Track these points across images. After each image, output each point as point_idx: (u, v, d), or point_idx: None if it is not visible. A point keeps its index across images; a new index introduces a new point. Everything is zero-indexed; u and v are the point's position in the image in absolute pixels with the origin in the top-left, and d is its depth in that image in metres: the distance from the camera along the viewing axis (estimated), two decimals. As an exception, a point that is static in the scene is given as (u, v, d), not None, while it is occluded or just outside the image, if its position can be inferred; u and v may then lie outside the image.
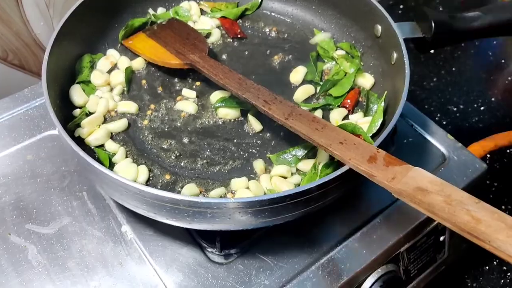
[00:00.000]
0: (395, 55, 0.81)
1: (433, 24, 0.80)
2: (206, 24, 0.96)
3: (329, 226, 0.77)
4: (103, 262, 0.74)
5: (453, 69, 1.41)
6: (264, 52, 0.94)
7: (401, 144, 0.89)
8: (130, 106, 0.83)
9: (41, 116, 0.90)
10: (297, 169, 0.76)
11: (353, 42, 0.93)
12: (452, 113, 1.30)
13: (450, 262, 0.89)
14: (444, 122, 1.27)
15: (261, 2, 1.00)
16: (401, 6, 1.56)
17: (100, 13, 0.89)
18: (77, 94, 0.81)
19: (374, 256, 0.75)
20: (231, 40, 0.95)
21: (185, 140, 0.80)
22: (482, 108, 1.30)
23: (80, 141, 0.77)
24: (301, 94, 0.86)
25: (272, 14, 1.00)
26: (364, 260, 0.74)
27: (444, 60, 1.43)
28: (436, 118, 1.28)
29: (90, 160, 0.64)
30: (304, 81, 0.89)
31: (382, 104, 0.80)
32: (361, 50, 0.92)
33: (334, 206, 0.76)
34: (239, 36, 0.95)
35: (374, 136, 0.78)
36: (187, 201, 0.60)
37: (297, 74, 0.89)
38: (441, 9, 1.57)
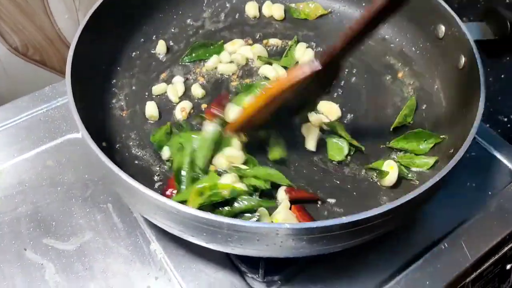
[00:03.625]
0: (463, 59, 0.72)
1: (509, 25, 0.71)
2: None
3: (388, 251, 0.68)
4: (129, 285, 0.65)
5: (502, 76, 1.30)
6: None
7: (463, 158, 0.78)
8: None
9: (63, 117, 0.83)
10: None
11: (409, 43, 0.83)
12: (503, 124, 1.19)
13: (513, 293, 0.79)
14: (494, 133, 1.17)
15: None
16: None
17: (132, 6, 0.80)
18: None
19: (437, 288, 0.65)
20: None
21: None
22: (535, 118, 1.20)
23: (106, 147, 0.69)
24: None
25: (317, 10, 0.91)
26: (427, 293, 0.65)
27: (491, 67, 1.33)
28: (486, 129, 1.17)
29: (118, 170, 0.56)
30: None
31: None
32: (418, 52, 0.83)
33: (394, 230, 0.66)
34: None
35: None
36: (233, 225, 0.51)
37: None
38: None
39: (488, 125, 1.20)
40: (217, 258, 0.67)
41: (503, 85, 1.27)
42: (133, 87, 0.78)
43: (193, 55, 0.82)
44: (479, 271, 0.70)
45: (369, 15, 0.54)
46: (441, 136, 0.70)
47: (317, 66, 0.58)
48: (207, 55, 0.82)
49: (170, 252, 0.68)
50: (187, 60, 0.82)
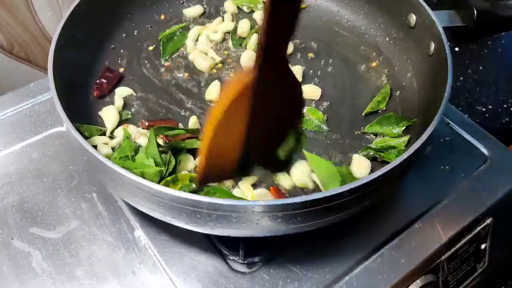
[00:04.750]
0: (433, 45, 0.74)
1: (475, 12, 0.74)
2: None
3: (364, 231, 0.70)
4: (114, 271, 0.67)
5: (480, 68, 1.34)
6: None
7: (437, 143, 0.81)
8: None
9: (48, 112, 0.84)
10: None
11: (382, 33, 0.86)
12: (481, 114, 1.22)
13: (490, 272, 0.81)
14: (467, 118, 1.20)
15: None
16: None
17: (114, 1, 0.83)
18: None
19: (413, 266, 0.68)
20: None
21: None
22: (512, 108, 1.23)
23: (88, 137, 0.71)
24: None
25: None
26: (403, 270, 0.67)
27: (470, 59, 1.36)
28: (464, 119, 1.20)
29: (100, 157, 0.58)
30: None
31: None
32: (391, 42, 0.85)
33: (369, 211, 0.69)
34: None
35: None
36: (210, 204, 0.54)
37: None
38: None
39: (467, 115, 1.24)
40: (199, 241, 0.69)
41: (481, 76, 1.31)
42: (116, 80, 0.80)
43: (167, 51, 0.85)
44: (453, 249, 0.73)
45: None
46: (412, 120, 0.73)
47: (250, 71, 0.45)
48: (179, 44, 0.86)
49: (153, 238, 0.70)
50: (167, 57, 0.84)
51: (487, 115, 1.22)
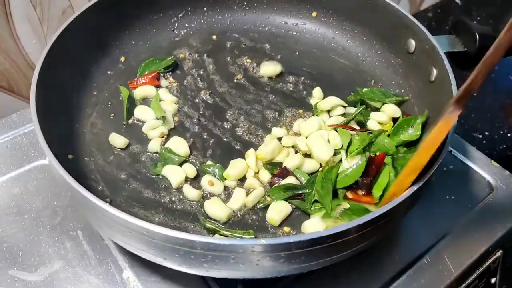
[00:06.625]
0: (434, 71, 0.72)
1: (477, 37, 0.71)
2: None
3: (370, 269, 0.66)
4: (101, 316, 0.62)
5: (474, 94, 1.33)
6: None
7: (440, 172, 0.78)
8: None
9: (31, 144, 0.80)
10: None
11: (380, 59, 0.84)
12: (478, 140, 1.20)
13: (500, 308, 0.77)
14: (470, 146, 1.18)
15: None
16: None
17: (100, 29, 0.79)
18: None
19: (423, 305, 0.64)
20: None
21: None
22: (509, 134, 1.21)
23: (74, 172, 0.66)
24: None
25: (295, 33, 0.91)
26: (412, 309, 0.63)
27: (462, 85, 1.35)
28: (461, 146, 1.18)
29: (86, 193, 0.53)
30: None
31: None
32: (389, 68, 0.83)
33: (374, 247, 0.65)
34: None
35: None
36: (205, 244, 0.49)
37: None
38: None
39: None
40: (194, 283, 0.64)
41: (476, 103, 1.29)
42: (102, 108, 0.77)
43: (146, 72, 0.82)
44: (464, 285, 0.69)
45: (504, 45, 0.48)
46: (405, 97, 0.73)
47: (459, 111, 0.56)
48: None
49: (144, 280, 0.65)
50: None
51: (484, 142, 1.20)
